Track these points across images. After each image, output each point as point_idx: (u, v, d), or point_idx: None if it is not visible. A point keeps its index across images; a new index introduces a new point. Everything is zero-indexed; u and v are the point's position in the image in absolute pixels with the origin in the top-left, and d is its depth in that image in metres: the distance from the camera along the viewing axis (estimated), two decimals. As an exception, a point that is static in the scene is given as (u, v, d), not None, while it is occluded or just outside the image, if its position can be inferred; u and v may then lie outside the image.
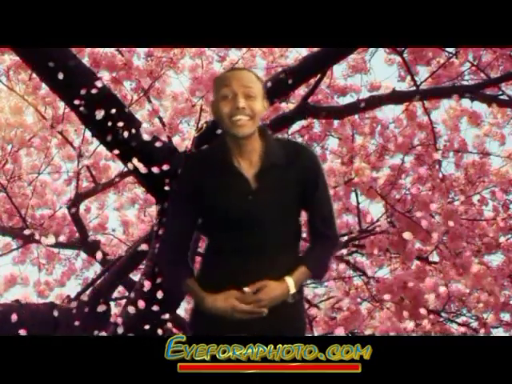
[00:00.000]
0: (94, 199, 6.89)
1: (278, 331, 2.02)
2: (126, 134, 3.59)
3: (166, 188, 3.57)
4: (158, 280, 3.68)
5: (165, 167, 3.57)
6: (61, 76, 3.51)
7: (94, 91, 3.56)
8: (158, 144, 3.69)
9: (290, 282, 2.04)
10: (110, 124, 3.61)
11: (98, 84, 3.58)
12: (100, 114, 3.55)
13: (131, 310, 3.63)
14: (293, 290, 2.04)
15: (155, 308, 3.63)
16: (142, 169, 3.63)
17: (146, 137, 3.56)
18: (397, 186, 5.50)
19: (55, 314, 3.75)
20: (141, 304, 3.64)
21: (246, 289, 2.00)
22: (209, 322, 2.06)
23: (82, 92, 3.56)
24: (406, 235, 4.39)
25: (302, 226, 2.16)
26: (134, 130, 3.62)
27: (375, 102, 5.14)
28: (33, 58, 3.62)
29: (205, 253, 2.19)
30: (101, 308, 3.82)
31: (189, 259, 2.18)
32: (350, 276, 6.09)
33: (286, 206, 2.07)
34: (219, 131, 2.28)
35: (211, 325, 2.05)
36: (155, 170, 3.60)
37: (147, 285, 3.68)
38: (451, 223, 4.57)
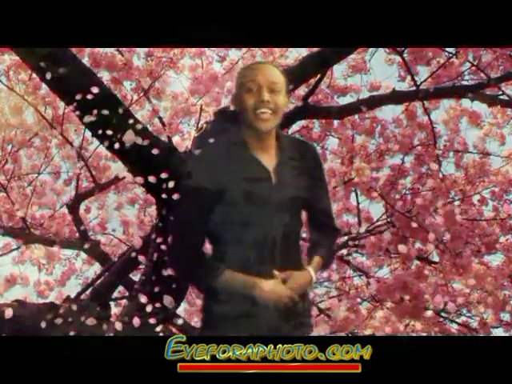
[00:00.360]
0: (93, 199, 6.89)
1: (288, 327, 2.05)
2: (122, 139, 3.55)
3: (164, 196, 3.52)
4: (156, 289, 3.64)
5: (163, 175, 3.51)
6: (60, 77, 3.49)
7: (93, 93, 3.54)
8: (155, 151, 3.63)
9: (312, 270, 2.10)
10: (107, 130, 3.58)
11: (94, 90, 3.55)
12: (89, 118, 3.52)
13: (119, 326, 3.56)
14: (315, 279, 2.10)
15: (152, 321, 3.58)
16: (138, 179, 3.60)
17: (132, 139, 3.51)
18: (397, 186, 5.51)
19: (43, 325, 3.69)
20: (136, 321, 3.58)
21: (276, 272, 2.02)
22: (223, 322, 2.07)
23: (82, 95, 3.53)
24: (401, 248, 4.40)
25: (303, 225, 2.20)
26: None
27: (375, 101, 5.14)
28: (33, 58, 3.61)
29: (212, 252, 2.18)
30: (91, 322, 3.76)
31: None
32: (350, 276, 6.10)
33: (297, 200, 2.12)
34: (220, 131, 2.28)
35: (226, 325, 2.06)
36: (152, 179, 3.56)
37: (144, 299, 3.62)
38: (458, 216, 4.57)
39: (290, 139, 2.24)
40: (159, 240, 3.63)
